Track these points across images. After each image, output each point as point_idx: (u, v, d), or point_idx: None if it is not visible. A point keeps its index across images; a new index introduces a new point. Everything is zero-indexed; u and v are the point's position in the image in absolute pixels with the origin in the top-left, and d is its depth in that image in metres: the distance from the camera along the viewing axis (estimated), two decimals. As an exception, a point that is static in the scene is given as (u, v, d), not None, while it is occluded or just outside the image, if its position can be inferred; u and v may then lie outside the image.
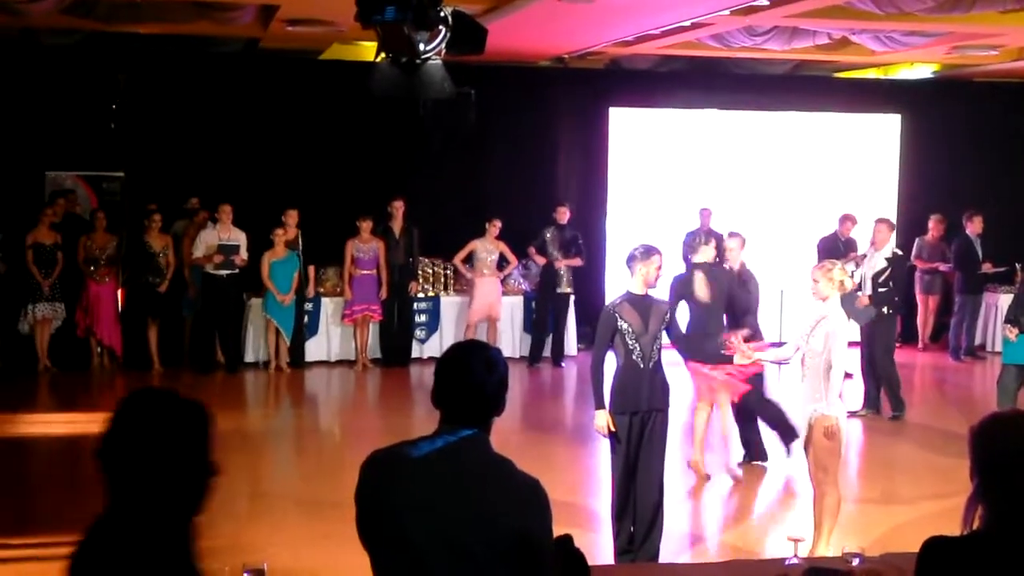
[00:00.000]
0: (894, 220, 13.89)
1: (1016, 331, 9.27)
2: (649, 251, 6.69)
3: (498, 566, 3.08)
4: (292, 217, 13.18)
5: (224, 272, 12.76)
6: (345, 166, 14.24)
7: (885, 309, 10.85)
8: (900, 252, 11.31)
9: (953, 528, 3.19)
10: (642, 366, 6.48)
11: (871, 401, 11.08)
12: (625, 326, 6.46)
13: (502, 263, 13.83)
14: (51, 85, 13.58)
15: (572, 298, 13.97)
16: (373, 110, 13.58)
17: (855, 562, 4.58)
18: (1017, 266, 14.00)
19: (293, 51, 14.50)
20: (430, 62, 5.82)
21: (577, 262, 13.78)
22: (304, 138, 14.23)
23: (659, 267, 6.60)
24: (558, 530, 3.25)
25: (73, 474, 9.09)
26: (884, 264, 10.87)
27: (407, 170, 14.34)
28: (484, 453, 3.20)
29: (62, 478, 8.98)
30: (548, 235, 13.74)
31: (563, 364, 13.75)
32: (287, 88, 14.24)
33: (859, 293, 10.76)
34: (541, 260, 13.73)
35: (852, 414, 11.23)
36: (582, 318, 14.20)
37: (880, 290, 10.84)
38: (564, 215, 13.78)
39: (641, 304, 6.53)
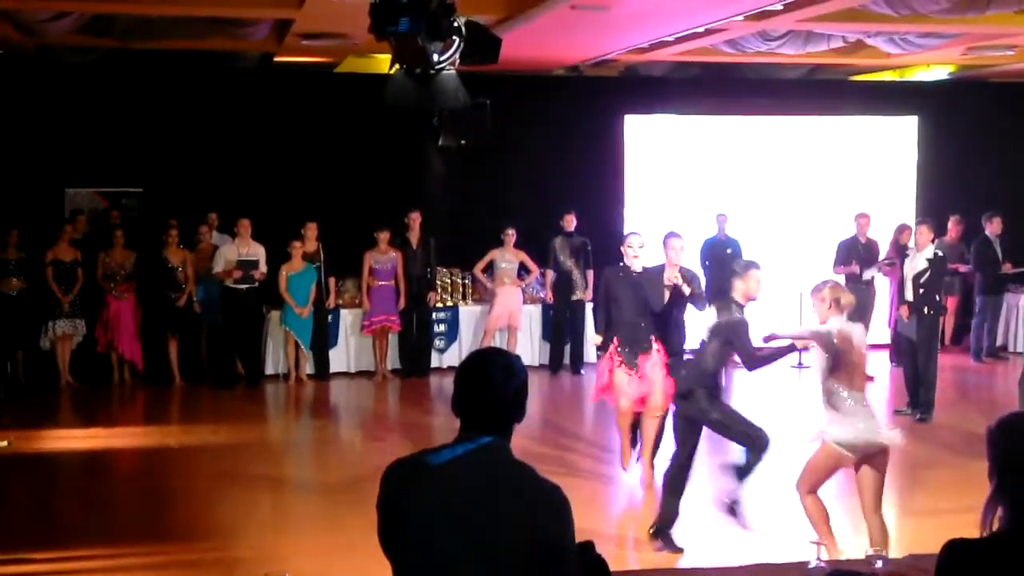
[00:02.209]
0: (912, 222, 13.89)
1: (1037, 331, 9.22)
2: (748, 266, 7.01)
3: (519, 572, 3.08)
4: (311, 230, 13.23)
5: (243, 286, 12.82)
6: (361, 178, 14.29)
7: (926, 310, 10.82)
8: (941, 253, 11.29)
9: (976, 530, 3.18)
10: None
11: (915, 397, 11.09)
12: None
13: (522, 272, 13.85)
14: (70, 102, 13.69)
15: (590, 305, 13.95)
16: (389, 122, 13.63)
17: (879, 564, 4.56)
18: (1037, 266, 13.94)
19: (308, 65, 14.56)
20: (444, 72, 5.85)
21: (590, 275, 13.77)
22: (320, 151, 14.29)
23: (758, 281, 6.98)
24: (578, 537, 3.25)
25: (95, 489, 9.15)
26: (925, 265, 10.85)
27: (424, 181, 14.37)
28: (505, 459, 3.20)
29: (84, 493, 9.02)
30: (557, 243, 13.76)
31: (582, 372, 13.73)
32: (303, 102, 14.31)
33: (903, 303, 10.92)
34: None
35: (898, 413, 11.22)
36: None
37: (921, 291, 10.81)
38: (571, 223, 13.79)
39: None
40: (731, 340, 6.94)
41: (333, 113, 14.26)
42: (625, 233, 9.01)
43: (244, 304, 12.89)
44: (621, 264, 8.73)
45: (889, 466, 7.07)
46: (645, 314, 8.50)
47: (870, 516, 6.32)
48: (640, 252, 8.63)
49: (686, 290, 8.30)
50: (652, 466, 8.62)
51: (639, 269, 8.60)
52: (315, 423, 11.98)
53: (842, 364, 6.33)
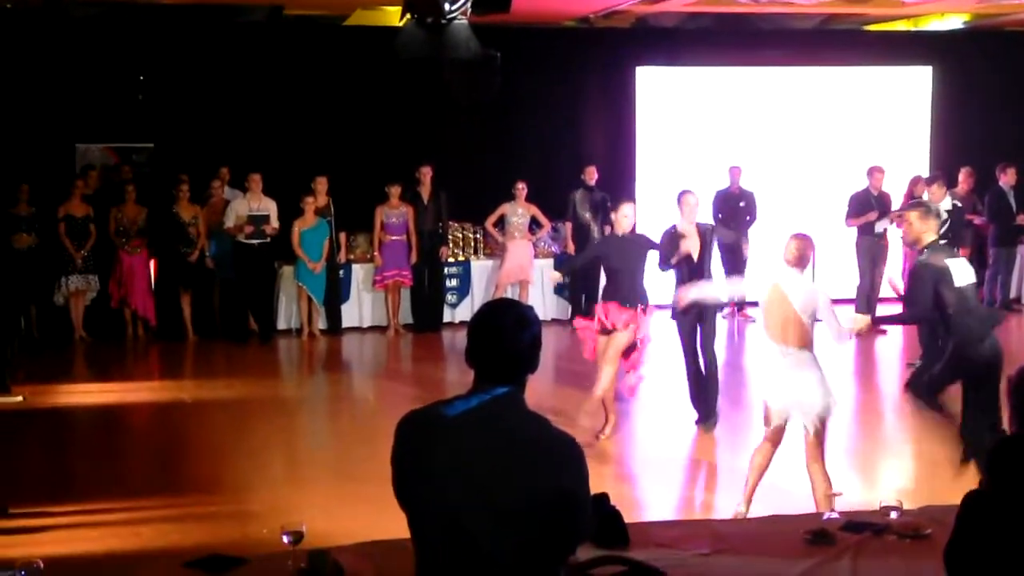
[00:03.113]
0: (925, 173, 13.83)
1: (1052, 282, 9.18)
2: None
3: (534, 523, 3.08)
4: (322, 184, 13.20)
5: (255, 241, 12.82)
6: (373, 132, 14.21)
7: None
8: (960, 204, 11.28)
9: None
10: None
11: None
12: None
13: (534, 226, 13.80)
14: (79, 56, 13.62)
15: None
16: (399, 76, 13.56)
17: (893, 515, 4.56)
18: (1052, 217, 13.84)
19: (317, 18, 14.46)
20: (456, 22, 5.80)
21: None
22: (331, 105, 14.20)
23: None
24: (594, 490, 3.24)
25: (110, 443, 9.20)
26: (944, 216, 10.83)
27: (435, 135, 14.30)
28: (519, 411, 3.19)
29: (99, 447, 9.08)
30: (577, 197, 13.67)
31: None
32: (312, 55, 14.20)
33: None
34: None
35: (910, 365, 11.21)
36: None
37: (941, 242, 10.78)
38: (592, 176, 13.71)
39: None
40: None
41: (343, 66, 14.16)
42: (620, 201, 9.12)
43: (256, 259, 12.88)
44: (611, 231, 9.10)
45: (902, 418, 7.08)
46: (631, 277, 8.64)
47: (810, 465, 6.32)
48: (624, 221, 8.77)
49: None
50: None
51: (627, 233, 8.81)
52: (328, 378, 12.01)
53: (769, 320, 6.26)
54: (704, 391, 9.09)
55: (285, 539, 4.16)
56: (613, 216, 9.08)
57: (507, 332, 3.20)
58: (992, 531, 3.08)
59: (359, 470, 7.62)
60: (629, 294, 8.57)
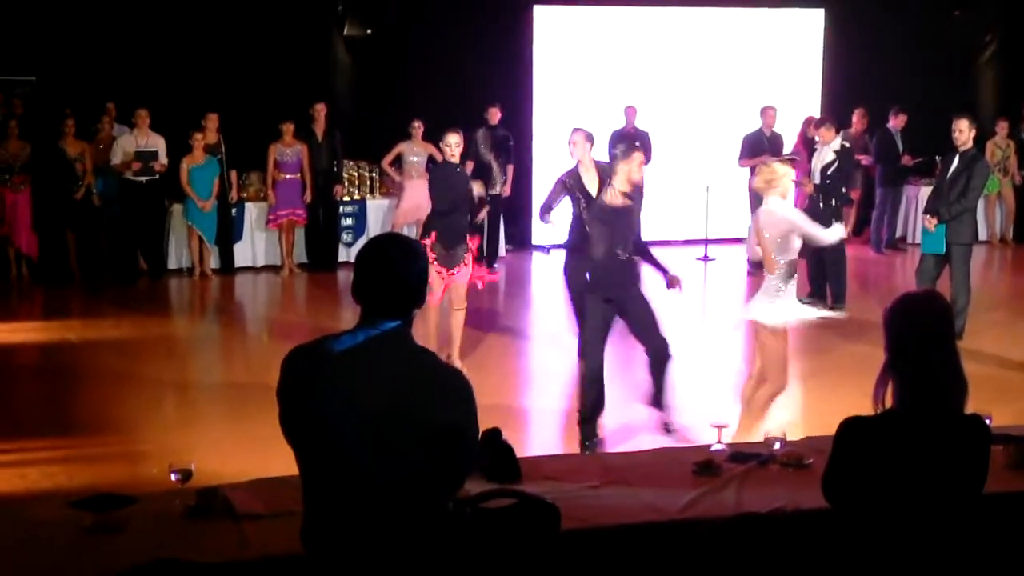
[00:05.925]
0: (819, 114, 14.05)
1: (935, 221, 9.43)
2: (628, 150, 6.95)
3: (423, 457, 3.09)
4: (212, 121, 12.94)
5: (143, 178, 12.55)
6: (265, 68, 13.91)
7: (833, 201, 11.03)
8: (848, 145, 11.55)
9: (869, 412, 3.28)
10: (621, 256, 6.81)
11: (818, 289, 11.35)
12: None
13: (431, 165, 13.70)
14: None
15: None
16: (294, 10, 13.31)
17: (776, 446, 4.68)
18: (936, 158, 14.18)
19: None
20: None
21: (510, 170, 13.69)
22: (222, 38, 13.85)
23: (642, 163, 6.88)
24: (485, 425, 3.26)
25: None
26: (832, 157, 11.06)
27: (329, 71, 14.07)
28: (406, 345, 3.19)
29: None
30: (480, 135, 13.60)
31: (496, 266, 13.72)
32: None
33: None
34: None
35: (800, 301, 11.48)
36: (509, 220, 14.25)
37: (828, 182, 11.03)
38: (495, 116, 13.64)
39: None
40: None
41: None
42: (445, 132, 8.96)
43: (144, 197, 12.63)
44: (442, 160, 9.08)
45: (791, 353, 7.34)
46: (460, 211, 8.66)
47: None
48: (457, 150, 8.79)
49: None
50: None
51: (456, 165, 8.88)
52: (220, 318, 11.85)
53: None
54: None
55: (173, 477, 4.13)
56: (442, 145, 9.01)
57: (396, 266, 3.19)
58: (864, 456, 3.18)
59: (252, 409, 7.56)
60: (455, 233, 8.59)
